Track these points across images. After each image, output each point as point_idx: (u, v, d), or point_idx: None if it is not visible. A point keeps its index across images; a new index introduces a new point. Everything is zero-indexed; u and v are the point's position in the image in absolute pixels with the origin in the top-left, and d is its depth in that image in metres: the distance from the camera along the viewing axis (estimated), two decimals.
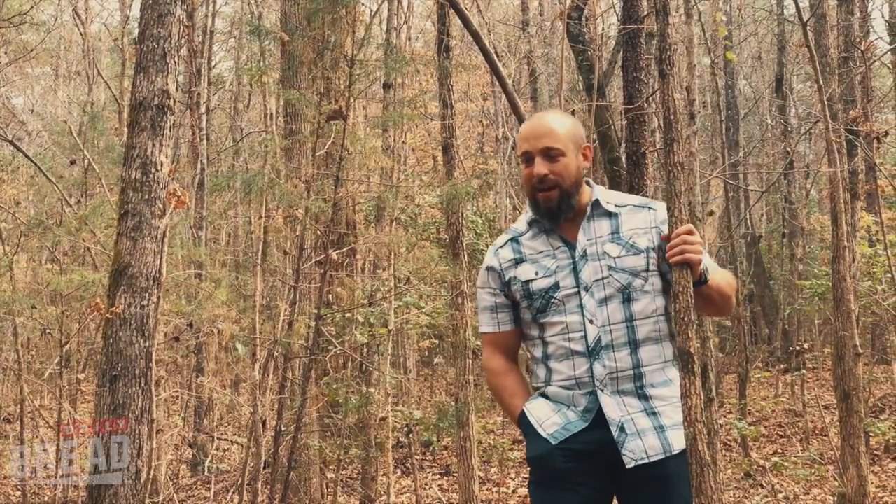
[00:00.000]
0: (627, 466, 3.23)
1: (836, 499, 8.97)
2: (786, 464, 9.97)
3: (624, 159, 8.93)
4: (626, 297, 3.27)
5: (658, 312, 3.34)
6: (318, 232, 6.80)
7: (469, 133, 21.71)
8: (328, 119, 6.18)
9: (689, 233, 3.11)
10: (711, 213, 20.26)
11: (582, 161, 3.36)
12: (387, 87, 9.69)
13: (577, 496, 3.28)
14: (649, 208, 3.38)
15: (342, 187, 6.52)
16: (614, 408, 3.26)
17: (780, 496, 9.81)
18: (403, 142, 11.33)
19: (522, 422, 3.43)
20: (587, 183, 3.43)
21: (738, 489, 10.27)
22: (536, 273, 3.34)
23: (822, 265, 16.23)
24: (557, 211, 3.30)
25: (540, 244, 3.38)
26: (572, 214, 3.34)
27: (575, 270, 3.30)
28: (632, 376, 3.28)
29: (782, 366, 17.69)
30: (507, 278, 3.41)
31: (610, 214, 3.35)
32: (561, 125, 3.33)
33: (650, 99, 7.15)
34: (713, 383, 5.33)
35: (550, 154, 3.28)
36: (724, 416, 13.31)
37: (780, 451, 12.52)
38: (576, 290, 3.29)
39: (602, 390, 3.27)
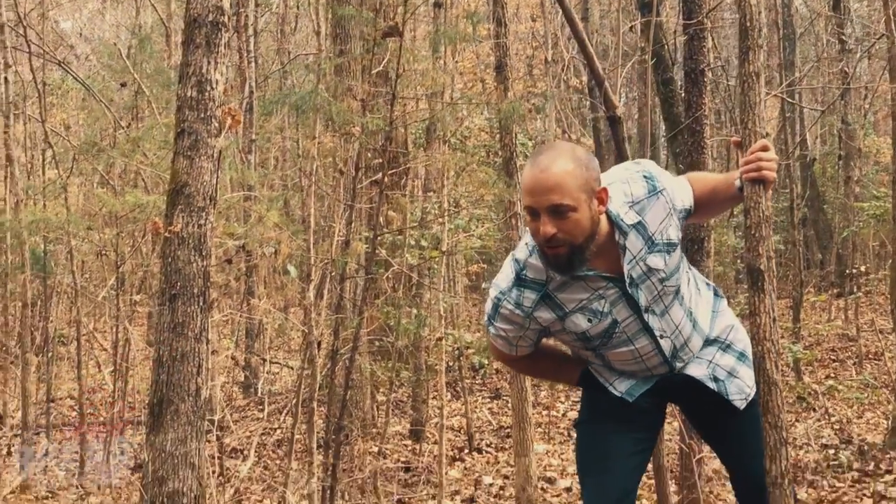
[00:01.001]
0: (741, 408, 3.25)
1: (890, 422, 8.91)
2: (839, 387, 9.89)
3: (680, 77, 8.76)
4: (677, 291, 3.15)
5: (686, 270, 3.25)
6: (374, 150, 6.74)
7: (518, 56, 21.43)
8: (384, 36, 6.07)
9: (765, 148, 3.02)
10: (767, 135, 19.91)
11: (597, 208, 2.92)
12: (438, 5, 9.53)
13: (629, 435, 3.27)
14: (658, 192, 3.04)
15: (398, 106, 6.45)
16: (697, 368, 3.26)
17: (833, 419, 9.75)
18: (456, 62, 11.20)
19: (586, 380, 3.36)
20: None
21: (791, 413, 10.22)
22: (590, 321, 3.07)
23: (880, 187, 15.97)
24: (569, 268, 2.94)
25: (579, 291, 3.04)
26: (597, 248, 2.97)
27: (629, 300, 3.06)
28: (701, 345, 3.28)
29: (835, 290, 17.51)
30: (552, 331, 3.15)
31: (636, 226, 3.01)
32: (570, 175, 2.83)
33: (709, 15, 6.97)
34: (775, 302, 5.21)
35: (559, 211, 2.83)
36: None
37: (832, 375, 12.44)
38: (635, 316, 3.09)
39: (680, 368, 3.27)
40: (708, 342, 3.28)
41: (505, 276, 3.10)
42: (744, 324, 3.31)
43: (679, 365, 3.24)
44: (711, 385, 3.24)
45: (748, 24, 3.18)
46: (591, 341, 3.12)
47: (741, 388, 3.26)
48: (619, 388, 3.26)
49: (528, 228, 2.97)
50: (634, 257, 2.99)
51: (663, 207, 3.03)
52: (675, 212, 3.05)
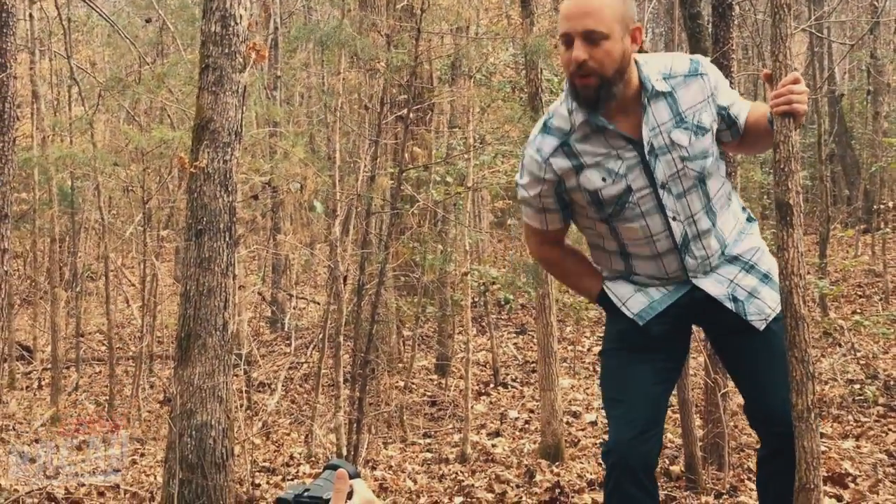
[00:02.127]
0: (760, 329, 3.20)
1: None
2: (865, 322, 9.86)
3: (708, 12, 8.65)
4: (702, 182, 3.12)
5: (723, 177, 3.24)
6: (400, 86, 6.70)
7: None
8: None
9: (796, 81, 2.99)
10: (795, 71, 19.67)
11: (629, 45, 2.95)
12: None
13: (651, 364, 3.24)
14: (700, 74, 3.08)
15: (423, 41, 6.40)
16: (716, 286, 3.22)
17: (859, 354, 9.74)
18: None
19: (603, 300, 3.35)
20: (634, 62, 3.05)
21: (816, 348, 10.22)
22: (604, 179, 3.06)
23: None
24: (596, 100, 2.94)
25: (598, 146, 3.05)
26: (623, 104, 3.01)
27: (647, 169, 3.05)
28: (720, 252, 3.21)
29: (863, 226, 17.39)
30: (567, 186, 3.12)
31: (665, 94, 3.03)
32: (606, 4, 2.89)
33: None
34: (801, 237, 5.21)
35: (592, 38, 2.87)
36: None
37: (858, 310, 12.40)
38: (650, 190, 3.06)
39: (697, 277, 3.21)
40: (730, 259, 3.24)
41: (542, 140, 3.12)
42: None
43: (692, 268, 3.18)
44: (730, 305, 3.19)
45: None
46: (605, 209, 3.09)
47: (761, 308, 3.21)
48: (632, 308, 3.23)
49: (561, 60, 2.99)
50: (658, 126, 3.01)
51: (701, 90, 3.05)
52: (713, 101, 3.07)
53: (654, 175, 3.04)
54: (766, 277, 3.24)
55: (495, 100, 13.06)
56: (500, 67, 13.74)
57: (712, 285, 3.21)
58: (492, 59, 12.76)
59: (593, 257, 3.41)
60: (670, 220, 3.10)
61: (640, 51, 3.08)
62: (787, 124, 3.09)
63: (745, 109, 3.17)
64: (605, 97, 2.93)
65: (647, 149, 3.01)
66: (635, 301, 3.24)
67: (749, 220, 3.39)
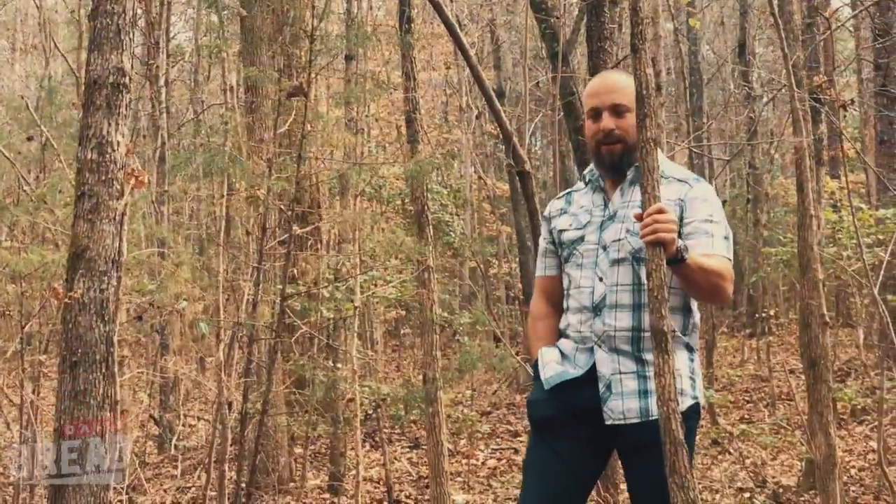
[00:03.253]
0: (606, 423, 3.33)
1: (803, 464, 9.03)
2: (753, 430, 10.01)
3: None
4: (637, 261, 3.34)
5: (675, 284, 3.35)
6: (282, 210, 6.70)
7: (433, 102, 21.57)
8: (289, 96, 6.08)
9: (660, 211, 3.10)
10: None
11: None
12: (349, 59, 9.55)
13: (569, 444, 3.42)
14: (686, 183, 3.45)
15: (305, 165, 6.43)
16: (607, 364, 3.36)
17: (748, 462, 9.86)
18: (367, 115, 11.21)
19: (534, 364, 3.58)
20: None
21: (706, 456, 10.31)
22: (570, 225, 3.53)
23: (788, 231, 16.30)
24: (620, 164, 3.43)
25: (586, 200, 3.56)
26: (620, 180, 3.48)
27: (601, 228, 3.45)
28: (630, 338, 3.35)
29: (748, 331, 17.78)
30: (552, 225, 3.62)
31: None
32: (628, 84, 3.40)
33: (615, 69, 7.06)
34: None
35: (618, 110, 3.41)
36: None
37: (746, 416, 12.59)
38: (596, 247, 3.43)
39: (600, 346, 3.37)
40: (637, 360, 3.36)
41: (564, 191, 3.75)
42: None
43: (599, 333, 3.38)
44: (602, 385, 3.35)
45: (644, 92, 3.23)
46: (564, 248, 3.53)
47: (620, 410, 3.33)
48: (548, 372, 3.46)
49: (587, 132, 3.52)
50: (629, 201, 3.41)
51: (677, 193, 3.39)
52: (679, 206, 3.37)
53: (602, 235, 3.42)
54: (645, 393, 3.32)
55: (385, 212, 13.14)
56: (390, 179, 13.87)
57: (604, 362, 3.37)
58: (382, 171, 12.88)
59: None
60: (597, 278, 3.40)
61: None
62: (658, 253, 3.16)
63: (696, 247, 3.29)
64: (626, 162, 3.43)
65: (608, 213, 3.44)
66: (551, 368, 3.47)
67: (689, 349, 3.49)
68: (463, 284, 17.94)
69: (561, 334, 3.56)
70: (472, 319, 11.21)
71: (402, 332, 18.70)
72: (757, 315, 16.14)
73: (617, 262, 3.37)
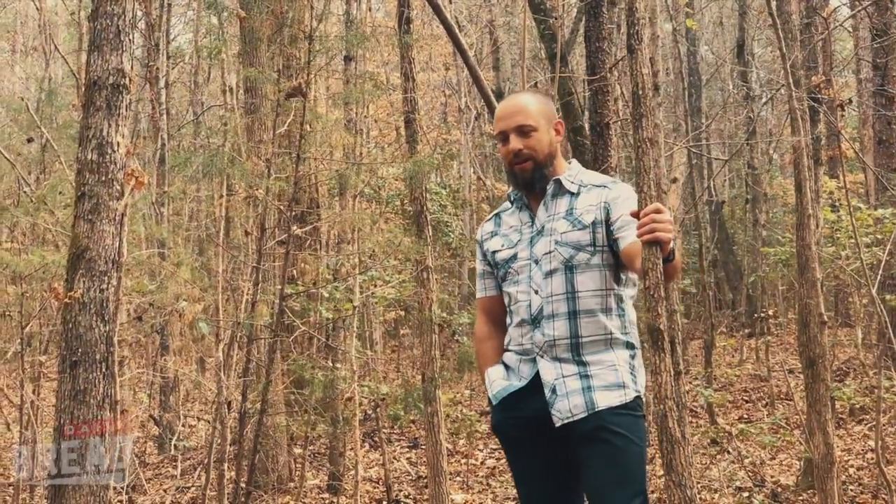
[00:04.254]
0: (556, 425, 3.41)
1: (802, 463, 9.05)
2: (752, 430, 10.02)
3: (587, 129, 8.90)
4: (570, 269, 3.45)
5: (608, 286, 3.48)
6: (280, 210, 6.72)
7: (432, 103, 21.58)
8: (288, 97, 6.10)
9: (658, 211, 3.14)
10: (675, 181, 20.29)
11: (554, 136, 3.58)
12: (348, 59, 9.56)
13: (535, 455, 3.54)
14: (605, 187, 3.55)
15: (303, 165, 6.44)
16: (549, 371, 3.45)
17: (746, 461, 9.87)
18: (366, 116, 11.22)
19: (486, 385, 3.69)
20: (568, 161, 3.70)
21: (705, 455, 10.32)
22: (502, 245, 3.62)
23: (786, 231, 16.32)
24: (532, 181, 3.52)
25: (514, 219, 3.66)
26: (541, 195, 3.57)
27: (531, 244, 3.54)
28: (569, 345, 3.44)
29: (747, 331, 17.79)
30: (484, 248, 3.72)
31: (570, 193, 3.55)
32: (532, 103, 3.56)
33: (613, 69, 7.10)
34: (681, 356, 5.32)
35: (524, 130, 3.49)
36: (690, 383, 13.39)
37: (745, 416, 12.61)
38: (528, 262, 3.53)
39: (542, 356, 3.47)
40: (577, 362, 3.43)
41: (493, 213, 3.83)
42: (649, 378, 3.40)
43: (539, 344, 3.46)
44: (547, 393, 3.43)
45: (640, 92, 3.26)
46: (500, 268, 3.63)
47: (569, 409, 3.40)
48: (494, 388, 3.58)
49: (501, 154, 3.61)
50: (553, 214, 3.53)
51: (597, 197, 3.50)
52: (604, 209, 3.47)
53: (533, 250, 3.52)
54: (588, 389, 3.40)
55: (384, 213, 13.16)
56: (389, 180, 13.89)
57: (547, 369, 3.45)
58: (381, 172, 12.89)
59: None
60: (532, 291, 3.49)
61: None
62: (654, 252, 3.18)
63: (630, 238, 3.36)
64: (539, 178, 3.53)
65: (536, 228, 3.54)
66: (497, 384, 3.58)
67: (630, 347, 3.54)
68: (462, 284, 17.95)
69: (505, 349, 3.66)
70: (471, 319, 11.22)
71: (401, 332, 18.69)
72: (756, 315, 16.16)
73: (550, 273, 3.47)
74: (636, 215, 3.21)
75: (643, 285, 3.23)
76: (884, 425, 9.06)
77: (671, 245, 3.19)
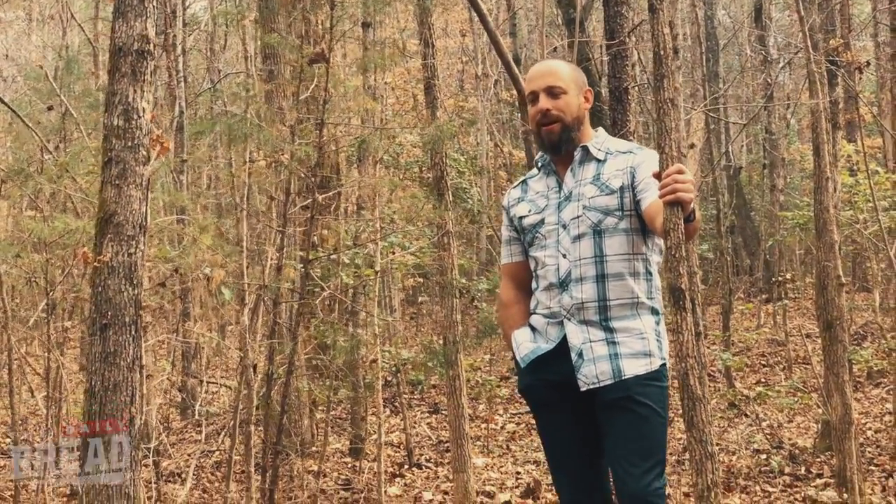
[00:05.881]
0: (581, 389, 3.48)
1: (819, 426, 9.12)
2: (770, 393, 10.09)
3: (606, 94, 8.90)
4: (598, 234, 3.51)
5: (636, 251, 3.54)
6: (303, 176, 6.77)
7: (448, 71, 21.55)
8: (310, 62, 6.13)
9: (680, 171, 3.18)
10: (692, 147, 20.24)
11: (583, 102, 3.64)
12: (365, 26, 9.57)
13: (563, 416, 3.60)
14: (631, 152, 3.60)
15: (326, 131, 6.49)
16: (577, 335, 3.50)
17: (764, 424, 9.94)
18: (385, 82, 11.24)
19: (512, 348, 3.75)
20: (595, 129, 3.73)
21: (723, 419, 10.40)
22: (529, 210, 3.67)
23: (804, 195, 16.30)
24: (559, 142, 3.59)
25: (541, 185, 3.71)
26: (568, 159, 3.64)
27: (559, 209, 3.59)
28: (597, 308, 3.50)
29: (764, 296, 17.82)
30: (511, 214, 3.77)
31: (597, 160, 3.61)
32: (564, 68, 3.68)
33: (631, 33, 7.11)
34: (699, 317, 5.37)
35: (554, 92, 3.56)
36: (708, 348, 13.44)
37: (763, 380, 12.68)
38: (556, 226, 3.58)
39: (569, 319, 3.53)
40: (605, 328, 3.49)
41: (519, 179, 3.90)
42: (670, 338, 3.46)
43: (567, 306, 3.52)
44: (574, 356, 3.49)
45: (662, 52, 3.29)
46: (525, 236, 3.68)
47: (593, 374, 3.46)
48: (522, 351, 3.64)
49: (529, 116, 3.68)
50: (581, 179, 3.58)
51: (624, 162, 3.56)
52: (630, 173, 3.53)
53: (561, 215, 3.56)
54: (615, 356, 3.46)
55: (403, 180, 13.19)
56: (407, 147, 13.92)
57: (574, 333, 3.51)
58: (399, 139, 12.93)
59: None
60: (560, 255, 3.55)
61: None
62: (676, 213, 3.23)
63: (651, 197, 3.41)
64: (566, 140, 3.59)
65: (564, 194, 3.59)
66: (525, 347, 3.63)
67: (654, 312, 3.60)
68: (481, 251, 18.00)
69: (531, 313, 3.71)
70: (490, 286, 11.29)
71: (419, 300, 18.77)
72: (774, 279, 16.17)
73: (578, 237, 3.52)
74: (658, 176, 3.26)
75: (666, 244, 3.29)
76: None
77: (692, 205, 3.24)
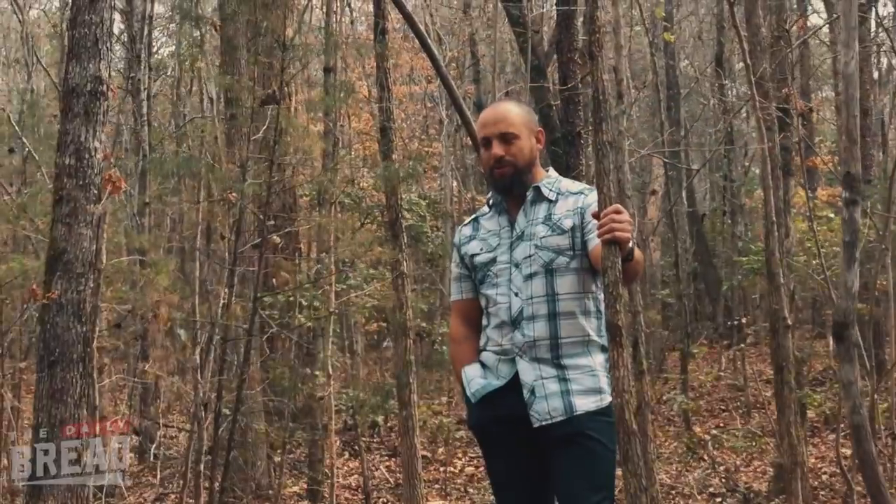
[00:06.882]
0: (534, 426, 3.48)
1: (774, 469, 9.18)
2: (725, 436, 10.16)
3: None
4: (550, 273, 3.52)
5: (586, 289, 3.56)
6: (254, 214, 6.80)
7: (415, 116, 21.69)
8: (262, 103, 6.20)
9: (617, 211, 3.26)
10: (654, 193, 20.44)
11: (535, 144, 3.66)
12: (327, 70, 9.66)
13: (512, 451, 3.60)
14: (581, 193, 3.64)
15: (278, 171, 6.54)
16: (529, 372, 3.52)
17: (720, 468, 9.99)
18: (342, 125, 11.32)
19: (463, 388, 3.74)
20: (546, 169, 3.75)
21: (680, 462, 10.44)
22: (481, 249, 3.68)
23: (759, 241, 16.45)
24: (510, 186, 3.61)
25: (492, 224, 3.71)
26: (520, 200, 3.64)
27: (511, 248, 3.59)
28: (549, 346, 3.51)
29: (725, 341, 17.93)
30: (462, 252, 3.77)
31: (549, 200, 3.62)
32: (515, 112, 3.67)
33: (584, 80, 7.24)
34: (643, 356, 5.44)
35: (506, 138, 3.58)
36: (668, 392, 13.50)
37: (722, 424, 12.74)
38: (508, 265, 3.58)
39: (521, 356, 3.54)
40: (556, 365, 3.51)
41: (470, 217, 3.90)
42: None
43: (519, 344, 3.53)
44: (526, 394, 3.50)
45: (601, 97, 3.39)
46: (478, 271, 3.69)
47: (545, 410, 3.47)
48: (473, 386, 3.64)
49: (482, 160, 3.71)
50: (532, 219, 3.61)
51: (574, 203, 3.60)
52: (580, 214, 3.56)
53: (513, 254, 3.58)
54: (567, 392, 3.48)
55: (365, 223, 13.25)
56: (370, 191, 14.00)
57: (526, 370, 3.53)
58: (359, 182, 13.00)
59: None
60: (512, 294, 3.56)
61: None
62: (614, 251, 3.31)
63: (596, 240, 3.44)
64: (518, 183, 3.62)
65: (516, 234, 3.61)
66: (475, 382, 3.64)
67: (603, 350, 3.62)
68: (443, 296, 18.05)
69: (481, 350, 3.73)
70: None
71: (383, 345, 18.74)
72: (730, 324, 16.29)
73: (530, 276, 3.55)
74: (597, 216, 3.34)
75: (604, 281, 3.36)
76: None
77: (630, 244, 3.32)
